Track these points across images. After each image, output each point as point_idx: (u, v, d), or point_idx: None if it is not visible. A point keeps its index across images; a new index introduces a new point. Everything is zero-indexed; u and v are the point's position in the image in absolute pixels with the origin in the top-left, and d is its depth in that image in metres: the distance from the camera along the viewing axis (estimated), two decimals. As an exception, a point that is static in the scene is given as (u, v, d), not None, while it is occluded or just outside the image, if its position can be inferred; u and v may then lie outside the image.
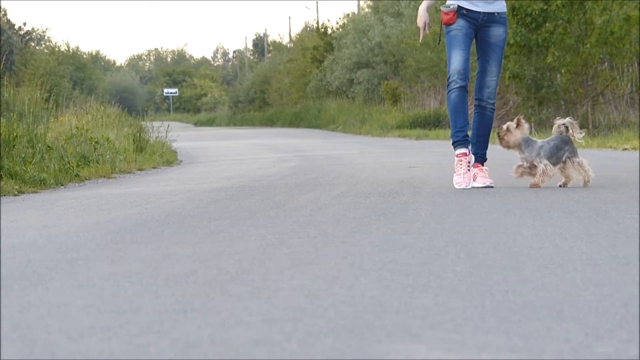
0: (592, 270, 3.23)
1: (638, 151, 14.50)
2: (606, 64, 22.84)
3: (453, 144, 7.27)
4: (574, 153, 6.98)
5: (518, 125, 6.98)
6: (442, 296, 2.80)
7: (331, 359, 2.12)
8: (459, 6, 7.14)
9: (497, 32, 7.18)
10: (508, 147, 7.02)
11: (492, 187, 6.98)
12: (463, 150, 7.15)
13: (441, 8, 7.23)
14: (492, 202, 5.87)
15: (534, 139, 7.08)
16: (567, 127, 7.00)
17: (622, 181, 7.62)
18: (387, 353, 2.15)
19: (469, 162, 7.14)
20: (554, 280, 3.03)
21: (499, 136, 7.03)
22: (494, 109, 7.26)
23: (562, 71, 22.10)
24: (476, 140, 7.23)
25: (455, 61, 7.13)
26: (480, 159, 7.22)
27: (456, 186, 7.07)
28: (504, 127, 7.02)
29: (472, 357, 2.11)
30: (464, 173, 7.10)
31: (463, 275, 3.15)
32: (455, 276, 3.14)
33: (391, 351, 2.16)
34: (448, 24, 7.16)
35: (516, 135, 6.97)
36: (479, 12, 7.14)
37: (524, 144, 6.96)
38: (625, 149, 15.45)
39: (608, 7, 21.39)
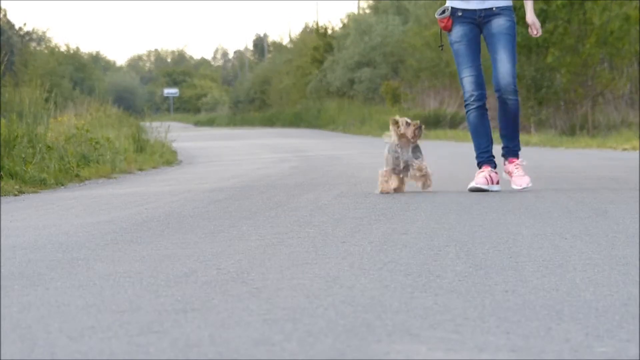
0: (592, 270, 3.23)
1: (638, 151, 14.51)
2: (606, 64, 22.84)
3: (478, 164, 6.97)
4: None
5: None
6: (442, 296, 2.80)
7: (331, 359, 2.12)
8: (452, 8, 6.86)
9: (497, 23, 6.85)
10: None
11: (530, 186, 6.73)
12: (486, 166, 6.89)
13: (435, 15, 6.95)
14: (491, 202, 5.87)
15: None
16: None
17: (622, 181, 7.62)
18: (387, 353, 2.15)
19: (490, 175, 6.81)
20: (554, 280, 3.03)
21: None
22: (516, 98, 6.89)
23: (562, 71, 22.11)
24: (504, 134, 6.95)
25: (467, 82, 6.87)
26: (513, 151, 6.93)
27: (470, 186, 6.78)
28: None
29: (472, 357, 2.11)
30: (480, 177, 6.82)
31: (463, 275, 3.15)
32: (455, 276, 3.14)
33: (391, 351, 2.16)
34: (447, 30, 6.90)
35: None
36: (475, 10, 6.85)
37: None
38: (625, 149, 15.45)
39: (608, 7, 21.40)
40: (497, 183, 6.84)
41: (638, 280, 3.01)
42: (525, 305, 2.64)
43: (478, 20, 6.88)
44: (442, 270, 3.26)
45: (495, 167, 6.90)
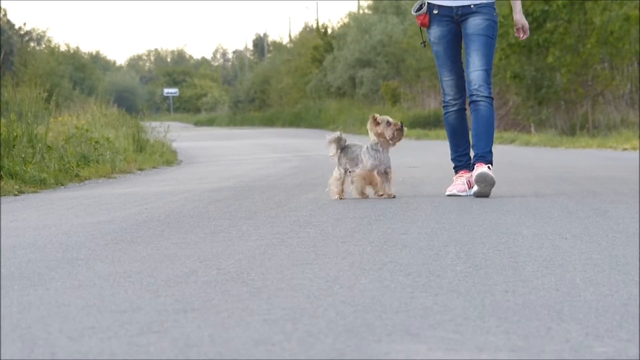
0: (592, 270, 3.23)
1: (638, 151, 14.51)
2: (606, 64, 22.85)
3: (454, 168, 6.74)
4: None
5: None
6: (442, 296, 2.80)
7: (331, 359, 2.12)
8: (429, 4, 6.58)
9: (474, 22, 6.54)
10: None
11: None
12: (465, 171, 6.63)
13: (412, 12, 6.68)
14: (491, 202, 5.87)
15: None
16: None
17: (622, 181, 7.62)
18: (387, 353, 2.15)
19: (469, 181, 6.53)
20: (554, 280, 3.03)
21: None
22: (488, 103, 6.48)
23: (562, 71, 22.12)
24: (475, 141, 6.53)
25: (446, 85, 6.63)
26: (483, 159, 6.39)
27: (446, 192, 6.52)
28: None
29: (472, 357, 2.11)
30: (459, 184, 6.55)
31: (463, 275, 3.15)
32: (455, 276, 3.14)
33: (391, 351, 2.16)
34: (425, 27, 6.63)
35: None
36: (451, 7, 6.57)
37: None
38: (625, 149, 15.46)
39: (608, 7, 21.41)
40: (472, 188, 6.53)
41: (638, 280, 3.01)
42: (525, 305, 2.64)
43: (456, 19, 6.60)
44: (442, 270, 3.26)
45: (470, 169, 6.58)
